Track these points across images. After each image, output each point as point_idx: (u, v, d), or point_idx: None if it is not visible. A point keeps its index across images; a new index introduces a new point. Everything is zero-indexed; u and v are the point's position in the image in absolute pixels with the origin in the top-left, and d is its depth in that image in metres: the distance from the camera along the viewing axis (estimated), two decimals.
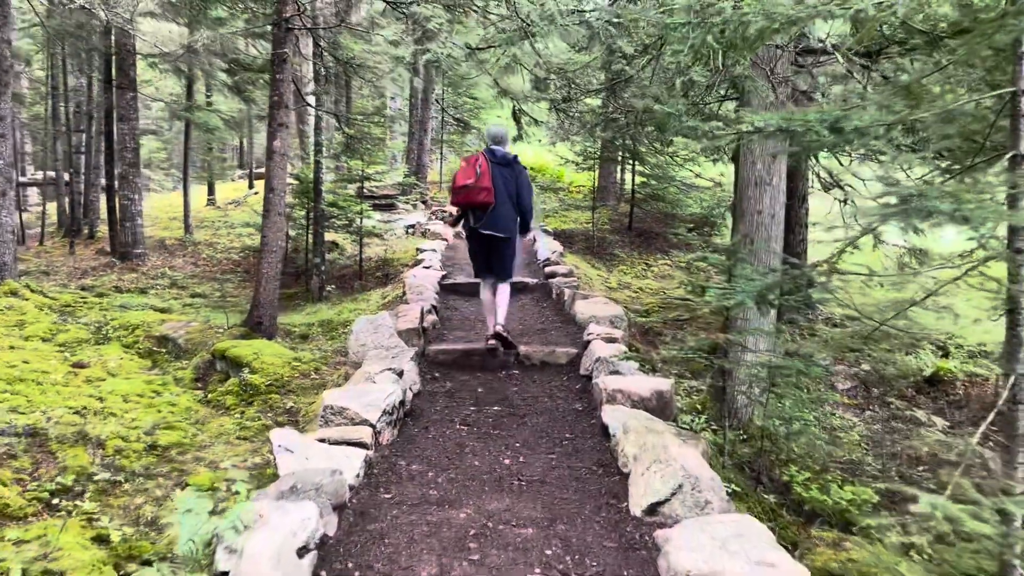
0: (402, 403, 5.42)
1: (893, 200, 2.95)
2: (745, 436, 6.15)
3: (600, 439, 5.09)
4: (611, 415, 5.06)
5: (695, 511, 3.70)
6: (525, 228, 6.80)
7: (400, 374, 5.75)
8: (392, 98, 28.37)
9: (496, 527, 3.72)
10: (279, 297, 11.77)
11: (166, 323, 8.52)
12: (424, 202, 20.24)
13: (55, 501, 4.59)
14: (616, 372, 6.16)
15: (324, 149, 11.04)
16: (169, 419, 6.21)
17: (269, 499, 3.51)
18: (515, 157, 6.65)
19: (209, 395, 6.99)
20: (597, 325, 7.59)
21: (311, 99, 10.66)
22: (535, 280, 10.25)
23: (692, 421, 5.89)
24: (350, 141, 11.01)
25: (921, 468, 6.27)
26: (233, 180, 27.94)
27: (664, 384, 5.56)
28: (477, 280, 7.10)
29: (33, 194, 25.07)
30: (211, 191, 21.96)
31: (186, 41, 12.97)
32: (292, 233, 12.88)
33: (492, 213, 6.45)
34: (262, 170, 12.46)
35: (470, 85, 25.24)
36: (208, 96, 19.37)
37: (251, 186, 23.71)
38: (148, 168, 28.89)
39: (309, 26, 8.56)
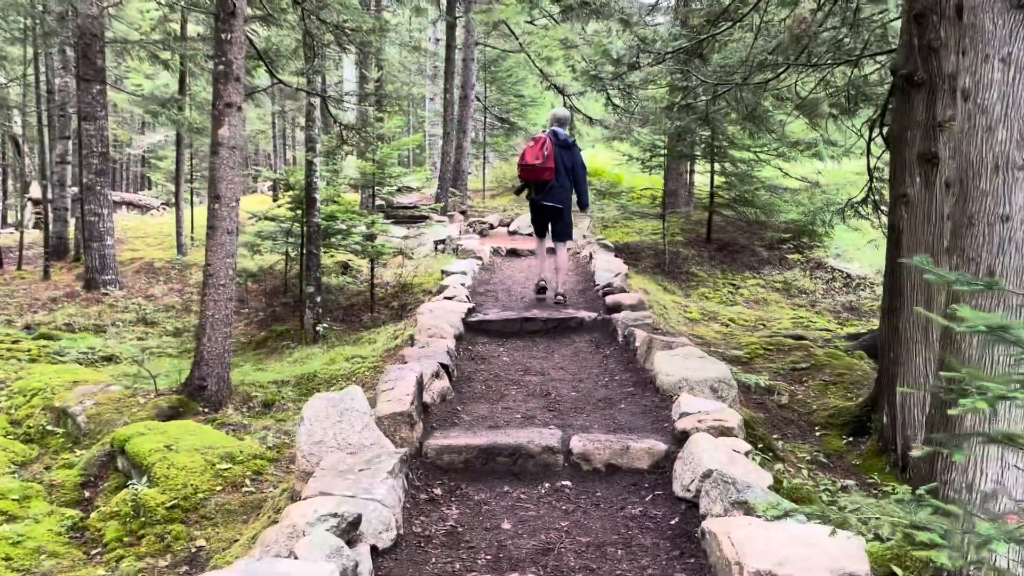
0: None
1: None
2: None
3: None
4: None
5: None
6: (583, 205, 8.06)
7: (353, 525, 3.16)
8: (431, 99, 26.04)
9: None
10: (267, 336, 9.36)
11: (78, 387, 6.11)
12: (463, 212, 17.74)
13: None
14: (744, 504, 3.48)
15: (319, 146, 8.58)
16: None
17: None
18: (574, 140, 7.87)
19: (92, 515, 4.51)
20: (692, 396, 4.90)
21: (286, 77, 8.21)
22: (593, 315, 7.57)
23: None
24: (344, 133, 8.54)
25: None
26: (262, 192, 25.93)
27: (856, 559, 2.84)
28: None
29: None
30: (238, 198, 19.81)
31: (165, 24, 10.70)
32: (292, 254, 10.46)
33: (552, 188, 7.63)
34: (292, 179, 10.07)
35: (516, 81, 22.77)
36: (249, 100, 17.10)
37: (276, 198, 21.55)
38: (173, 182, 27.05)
39: None
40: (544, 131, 7.82)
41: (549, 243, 8.11)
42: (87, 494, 4.84)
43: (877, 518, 2.41)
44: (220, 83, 5.87)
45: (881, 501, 2.76)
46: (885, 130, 6.51)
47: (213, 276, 5.91)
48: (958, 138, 3.65)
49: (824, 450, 5.93)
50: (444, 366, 5.44)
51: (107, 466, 4.96)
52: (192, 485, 4.38)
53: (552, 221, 7.90)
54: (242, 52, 5.91)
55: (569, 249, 11.84)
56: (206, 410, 5.79)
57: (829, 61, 6.51)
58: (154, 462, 4.52)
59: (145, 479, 4.46)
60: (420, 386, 4.72)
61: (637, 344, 6.35)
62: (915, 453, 2.58)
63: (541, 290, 8.30)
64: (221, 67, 5.86)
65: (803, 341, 7.80)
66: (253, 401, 6.11)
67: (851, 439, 6.05)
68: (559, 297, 8.01)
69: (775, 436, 6.07)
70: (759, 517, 3.39)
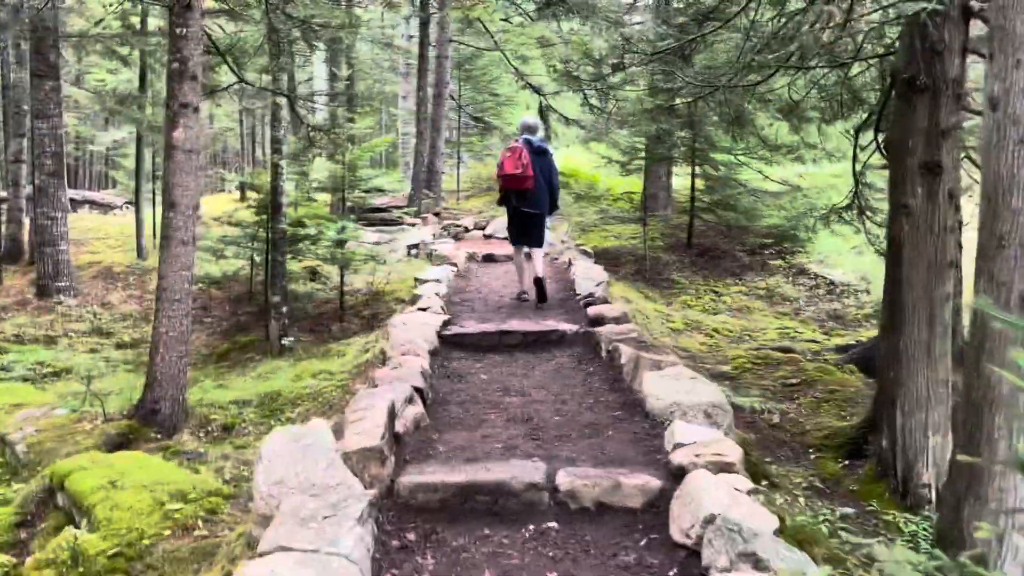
0: None
1: None
2: None
3: None
4: None
5: None
6: (554, 206, 8.27)
7: None
8: (404, 97, 25.54)
9: None
10: (230, 348, 8.89)
11: (19, 410, 5.63)
12: (437, 214, 17.31)
13: None
14: (752, 556, 3.15)
15: (286, 147, 8.13)
16: None
17: None
18: (547, 146, 8.12)
19: (26, 561, 4.06)
20: (686, 423, 4.55)
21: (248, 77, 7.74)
22: (574, 328, 7.21)
23: None
24: (312, 134, 8.10)
25: None
26: (229, 192, 25.29)
27: None
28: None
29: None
30: (196, 205, 19.20)
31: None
32: (258, 259, 9.99)
33: (531, 195, 7.88)
34: (257, 182, 9.64)
35: (491, 80, 22.37)
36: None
37: (243, 198, 20.97)
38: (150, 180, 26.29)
39: None
40: (517, 139, 8.04)
41: (526, 249, 8.31)
42: (23, 535, 4.39)
43: None
44: (175, 82, 5.42)
45: (917, 561, 2.43)
46: (881, 136, 6.23)
47: (167, 290, 5.46)
48: (984, 151, 3.33)
49: (820, 474, 5.63)
50: (418, 389, 5.04)
51: (46, 503, 4.51)
52: (138, 529, 3.95)
53: (530, 227, 8.08)
54: (199, 48, 5.47)
55: (547, 255, 11.53)
56: (159, 436, 5.35)
57: (821, 64, 6.20)
58: (96, 502, 4.08)
59: (85, 522, 4.03)
60: (392, 416, 4.33)
61: (623, 361, 6.00)
62: (981, 535, 2.23)
63: (523, 300, 8.45)
64: (176, 64, 5.41)
65: (791, 354, 7.51)
66: (211, 425, 5.67)
67: (847, 462, 5.75)
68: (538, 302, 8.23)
69: (768, 459, 5.76)
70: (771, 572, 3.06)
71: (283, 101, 7.74)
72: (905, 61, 5.32)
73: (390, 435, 4.19)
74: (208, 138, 30.95)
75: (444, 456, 4.39)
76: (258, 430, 5.64)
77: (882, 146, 5.96)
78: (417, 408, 4.84)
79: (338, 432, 4.69)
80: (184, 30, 5.40)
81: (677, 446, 4.23)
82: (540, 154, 7.94)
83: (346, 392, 5.97)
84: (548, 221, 8.52)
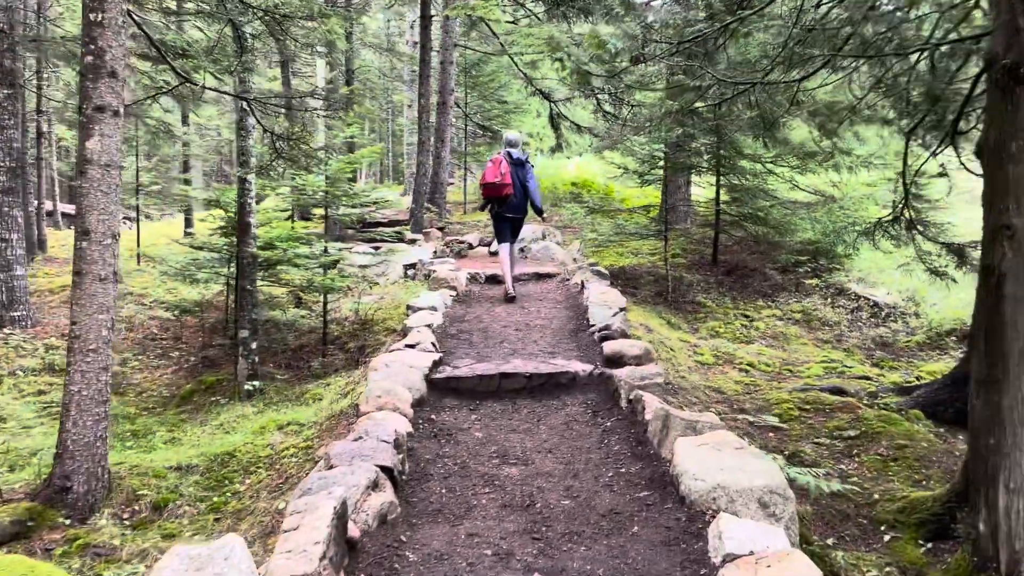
0: None
1: None
2: None
3: None
4: None
5: None
6: (539, 211, 9.23)
7: None
8: (410, 106, 24.56)
9: None
10: (194, 389, 7.81)
11: None
12: (441, 229, 16.23)
13: None
14: None
15: (254, 159, 7.07)
16: None
17: None
18: (527, 158, 9.08)
19: None
20: (735, 519, 3.43)
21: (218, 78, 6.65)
22: (588, 368, 6.09)
23: None
24: (278, 143, 7.01)
25: None
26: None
27: None
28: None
29: None
30: (188, 222, 18.34)
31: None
32: (234, 283, 8.93)
33: (510, 201, 8.85)
34: (223, 198, 8.70)
35: (499, 86, 21.33)
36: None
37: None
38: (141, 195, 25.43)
39: None
40: (499, 153, 8.92)
41: (508, 246, 9.17)
42: None
43: None
44: (88, 80, 4.36)
45: None
46: (960, 138, 5.10)
47: (80, 339, 4.39)
48: None
49: (897, 561, 4.47)
50: (386, 470, 3.93)
51: None
52: None
53: (511, 227, 9.09)
54: (119, 39, 4.41)
55: (558, 275, 10.44)
56: (69, 521, 4.28)
57: (886, 52, 5.08)
58: None
59: None
60: (342, 519, 3.21)
61: (648, 418, 4.88)
62: None
63: (509, 301, 8.97)
64: (90, 58, 4.35)
65: (846, 398, 6.35)
66: (140, 502, 4.59)
67: (930, 545, 4.59)
68: (514, 286, 9.06)
69: (830, 540, 4.63)
70: None
71: (271, 107, 6.67)
72: (1004, 44, 4.19)
73: (337, 549, 3.08)
74: (211, 149, 30.08)
75: (413, 569, 3.28)
76: (195, 509, 4.56)
77: (974, 152, 4.81)
78: (384, 496, 3.73)
79: (273, 532, 3.62)
80: (100, 15, 4.35)
81: (728, 558, 3.12)
82: (519, 165, 8.82)
83: (308, 458, 4.88)
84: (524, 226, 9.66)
